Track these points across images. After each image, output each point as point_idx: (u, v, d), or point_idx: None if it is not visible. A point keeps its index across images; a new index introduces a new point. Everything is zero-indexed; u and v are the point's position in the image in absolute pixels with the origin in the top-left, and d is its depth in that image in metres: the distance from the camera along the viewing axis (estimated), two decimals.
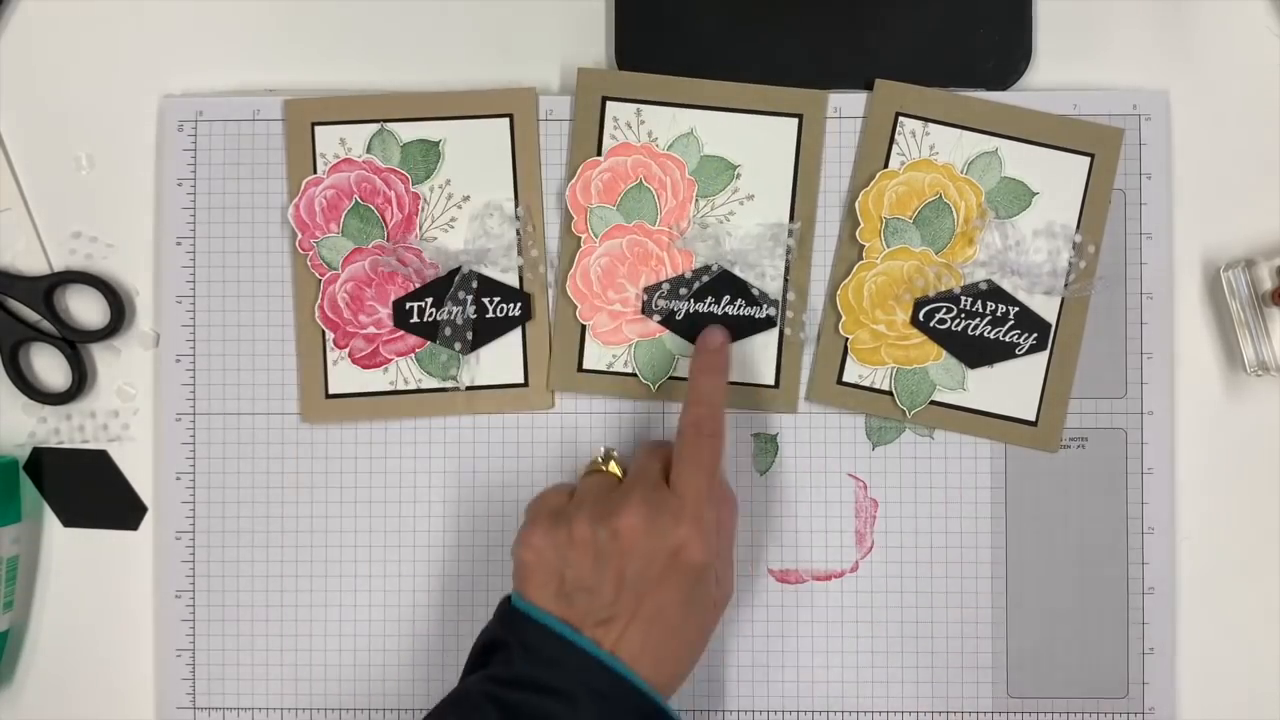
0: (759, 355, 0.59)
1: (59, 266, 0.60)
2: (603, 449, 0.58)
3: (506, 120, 0.59)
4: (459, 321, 0.59)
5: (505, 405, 0.59)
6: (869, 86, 0.59)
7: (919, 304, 0.58)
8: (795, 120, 0.59)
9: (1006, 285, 0.58)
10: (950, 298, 0.58)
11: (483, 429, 0.59)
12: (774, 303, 0.59)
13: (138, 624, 0.60)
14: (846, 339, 0.59)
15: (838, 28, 0.59)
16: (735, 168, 0.59)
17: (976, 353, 0.59)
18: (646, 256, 0.59)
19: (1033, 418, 0.59)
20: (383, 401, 0.59)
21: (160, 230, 0.60)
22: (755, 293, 0.59)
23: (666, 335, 0.59)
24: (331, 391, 0.59)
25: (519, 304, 0.59)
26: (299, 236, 0.59)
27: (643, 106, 0.59)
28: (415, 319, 0.59)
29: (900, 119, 0.59)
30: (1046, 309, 0.58)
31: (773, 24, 0.59)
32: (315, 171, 0.59)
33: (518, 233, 0.59)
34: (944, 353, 0.59)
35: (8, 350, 0.60)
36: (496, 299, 0.59)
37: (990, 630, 0.59)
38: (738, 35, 0.59)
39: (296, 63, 0.61)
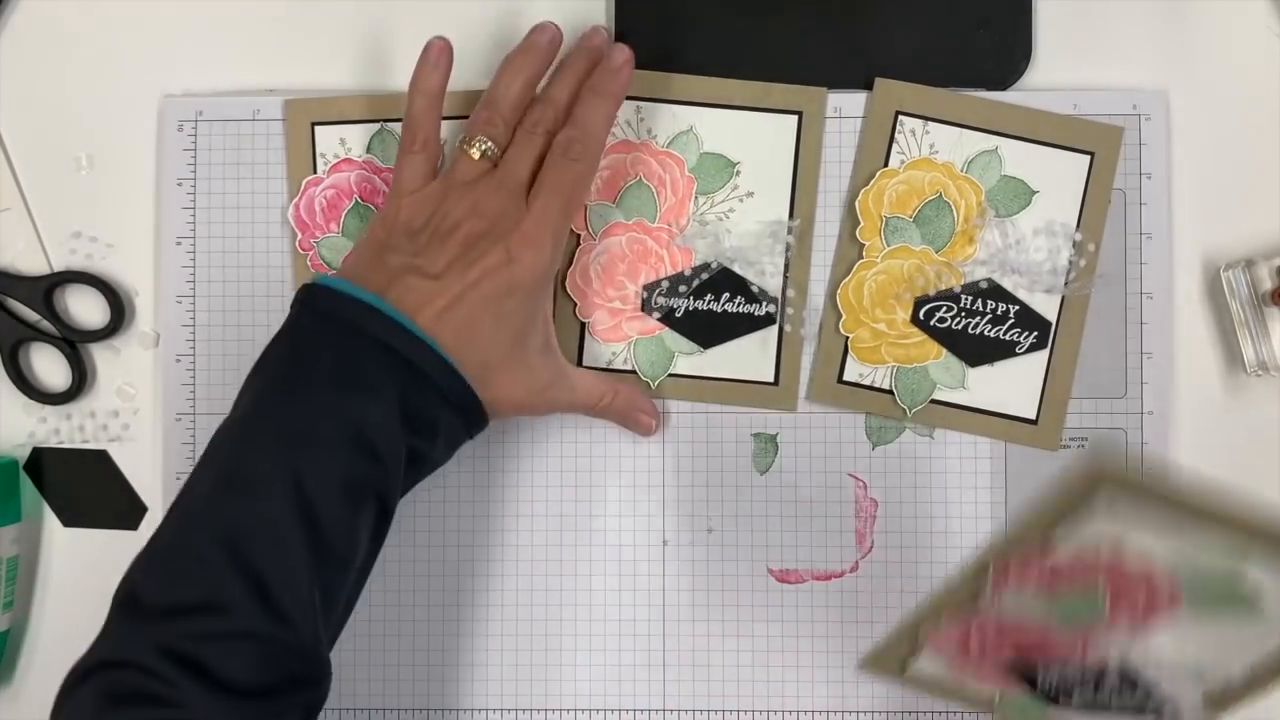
0: (759, 352, 0.59)
1: (59, 266, 0.60)
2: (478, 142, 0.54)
3: (795, 120, 0.59)
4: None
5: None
6: (869, 86, 0.59)
7: (919, 303, 0.58)
8: (795, 117, 0.59)
9: (1007, 284, 0.58)
10: (950, 296, 0.58)
11: None
12: (773, 300, 0.59)
13: None
14: (847, 338, 0.59)
15: (838, 27, 0.59)
16: (734, 165, 0.59)
17: (977, 351, 0.59)
18: (646, 254, 0.59)
19: (1033, 416, 0.59)
20: None
21: (160, 230, 0.60)
22: (755, 290, 0.59)
23: (666, 333, 0.59)
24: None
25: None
26: (299, 236, 0.59)
27: (642, 104, 0.59)
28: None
29: (900, 118, 0.59)
30: (1047, 307, 0.58)
31: (773, 23, 0.59)
32: (315, 171, 0.59)
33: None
34: (944, 351, 0.59)
35: (8, 350, 0.60)
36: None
37: None
38: (738, 35, 0.59)
39: (296, 63, 0.61)
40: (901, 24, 0.59)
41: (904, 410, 0.59)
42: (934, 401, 0.59)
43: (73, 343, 0.60)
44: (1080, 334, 0.59)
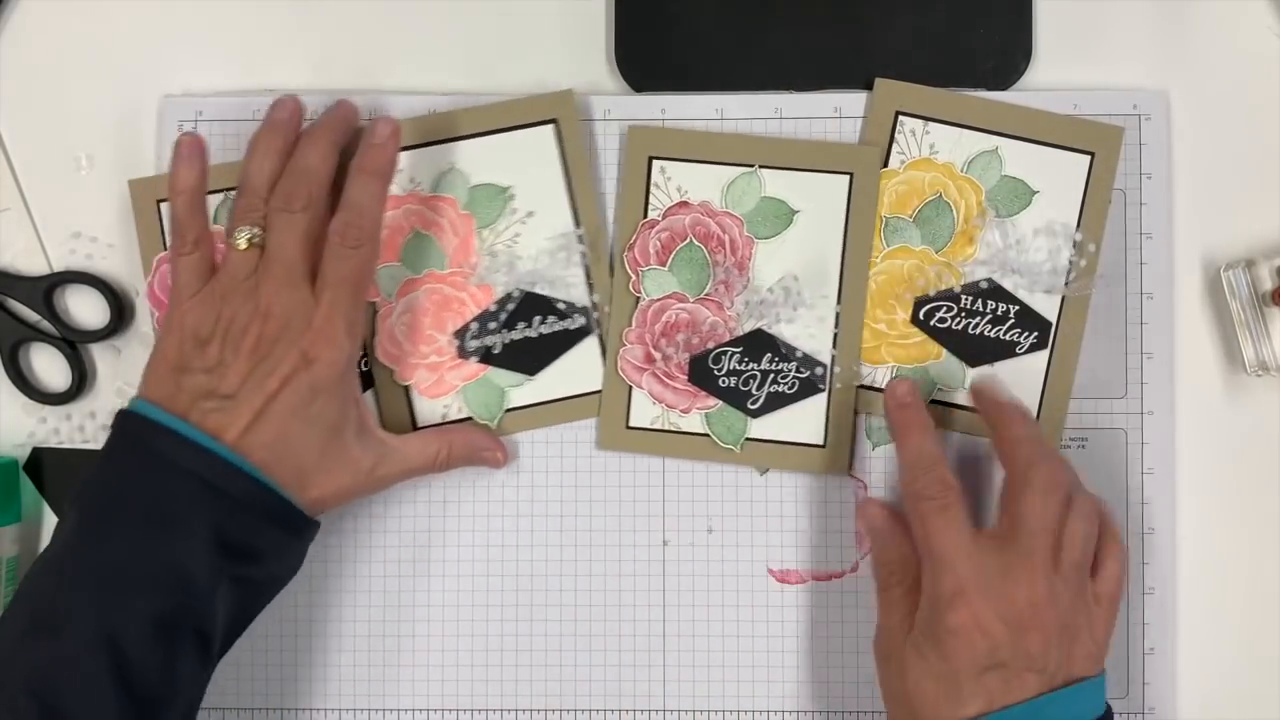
0: (586, 362, 0.58)
1: (59, 266, 0.60)
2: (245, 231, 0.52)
3: (552, 132, 0.58)
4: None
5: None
6: (869, 86, 0.59)
7: (919, 303, 0.58)
8: (551, 126, 0.58)
9: (1007, 284, 0.58)
10: (950, 296, 0.58)
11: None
12: (583, 309, 0.58)
13: None
14: None
15: (838, 28, 0.59)
16: (506, 189, 0.58)
17: (977, 351, 0.59)
18: (447, 302, 0.58)
19: (1034, 417, 0.59)
20: None
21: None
22: (562, 306, 0.58)
23: (490, 371, 0.58)
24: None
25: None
26: (156, 315, 0.59)
27: (399, 154, 0.56)
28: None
29: (900, 118, 0.59)
30: (1047, 308, 0.58)
31: (773, 23, 0.59)
32: (165, 248, 0.58)
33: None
34: (944, 351, 0.59)
35: (8, 350, 0.60)
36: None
37: None
38: (738, 35, 0.59)
39: (296, 63, 0.61)
40: (901, 24, 0.59)
41: None
42: (934, 402, 0.59)
43: (73, 343, 0.60)
44: (1081, 334, 0.59)
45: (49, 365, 0.61)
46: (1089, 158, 0.59)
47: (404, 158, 0.58)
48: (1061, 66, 0.60)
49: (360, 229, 0.52)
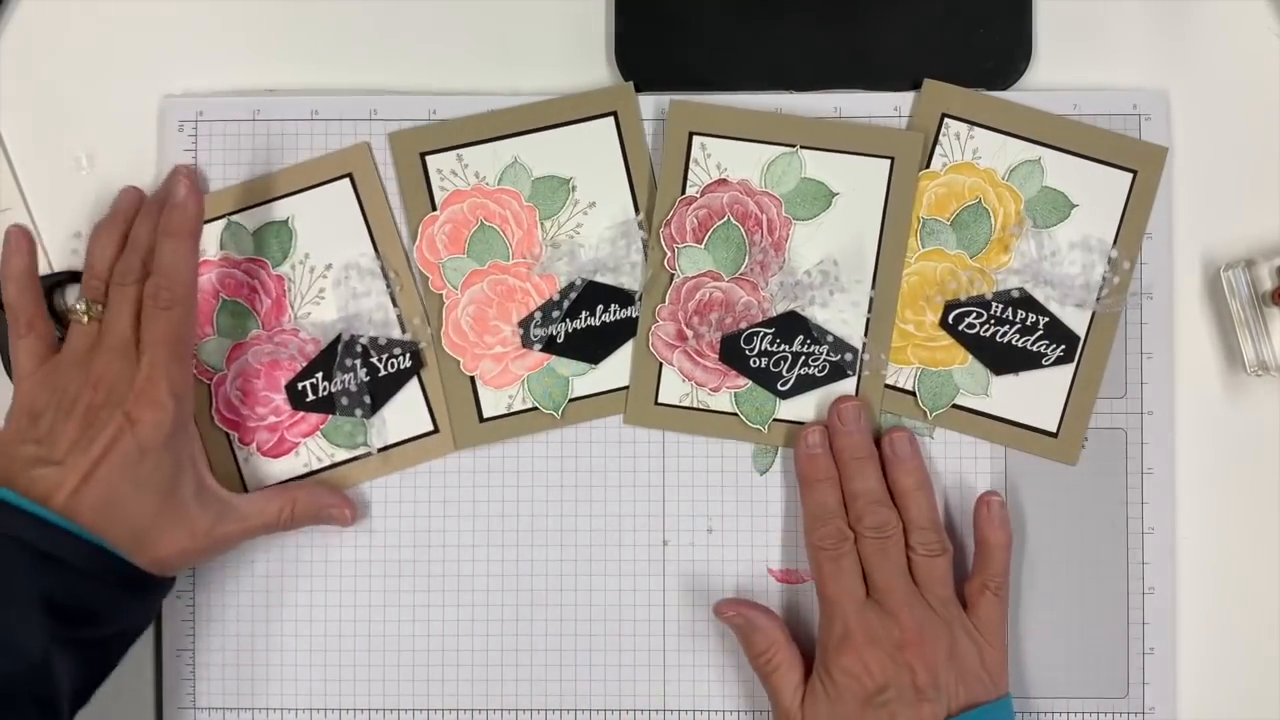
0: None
1: (59, 266, 0.60)
2: (82, 303, 0.55)
3: (347, 180, 0.59)
4: (353, 388, 0.58)
5: (420, 456, 0.59)
6: (869, 86, 0.59)
7: (949, 307, 0.58)
8: (611, 118, 0.59)
9: (1039, 295, 0.58)
10: (981, 303, 0.58)
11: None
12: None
13: None
14: None
15: (837, 27, 0.59)
16: (569, 181, 0.59)
17: (1003, 360, 0.58)
18: (511, 292, 0.59)
19: (1054, 429, 0.59)
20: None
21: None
22: (625, 294, 0.59)
23: (554, 360, 0.59)
24: (251, 488, 0.59)
25: (408, 354, 0.58)
26: None
27: (462, 151, 0.58)
28: (311, 397, 0.58)
29: (945, 120, 0.58)
30: (1077, 322, 0.58)
31: (773, 24, 0.59)
32: None
33: (386, 283, 0.59)
34: (970, 357, 0.59)
35: (8, 350, 0.60)
36: (385, 355, 0.58)
37: None
38: (738, 35, 0.59)
39: (296, 63, 0.61)
40: (901, 24, 0.59)
41: (925, 412, 0.58)
42: (955, 406, 0.59)
43: None
44: (1108, 351, 0.58)
45: None
46: (1131, 175, 0.58)
47: (466, 153, 0.58)
48: (1061, 66, 0.60)
49: (171, 291, 0.53)
